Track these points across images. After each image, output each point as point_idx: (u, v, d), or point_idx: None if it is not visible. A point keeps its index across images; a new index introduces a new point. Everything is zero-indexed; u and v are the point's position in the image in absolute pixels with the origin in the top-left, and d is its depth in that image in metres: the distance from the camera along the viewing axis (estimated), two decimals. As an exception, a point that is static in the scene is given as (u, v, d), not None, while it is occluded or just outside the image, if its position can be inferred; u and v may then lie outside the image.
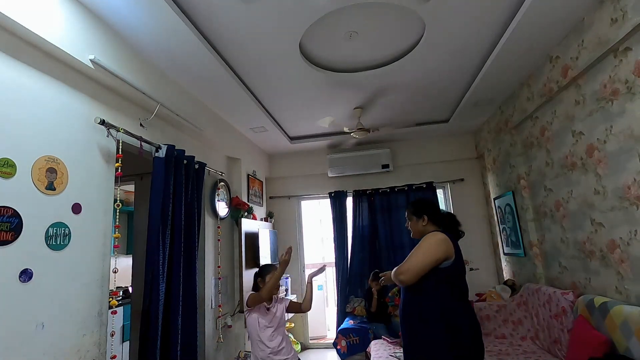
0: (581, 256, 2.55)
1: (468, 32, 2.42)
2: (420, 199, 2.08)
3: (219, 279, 3.27)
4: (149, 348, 2.11)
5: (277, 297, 2.56)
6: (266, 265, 2.65)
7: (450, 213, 2.06)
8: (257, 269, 3.83)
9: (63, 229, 1.72)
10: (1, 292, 1.43)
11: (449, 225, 1.94)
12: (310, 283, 2.57)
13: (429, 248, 1.74)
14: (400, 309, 1.88)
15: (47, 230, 1.64)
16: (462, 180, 4.60)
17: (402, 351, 3.13)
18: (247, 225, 3.74)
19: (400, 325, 1.89)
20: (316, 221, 8.13)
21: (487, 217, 4.46)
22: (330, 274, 6.13)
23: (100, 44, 1.96)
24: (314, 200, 5.21)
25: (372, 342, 3.47)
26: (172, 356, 2.27)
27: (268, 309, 2.44)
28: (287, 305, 2.56)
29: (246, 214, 3.82)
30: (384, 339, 3.47)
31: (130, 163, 2.40)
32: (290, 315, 2.70)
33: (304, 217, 5.15)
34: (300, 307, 2.55)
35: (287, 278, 4.47)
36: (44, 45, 1.67)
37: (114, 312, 1.95)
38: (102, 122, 1.97)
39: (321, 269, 2.60)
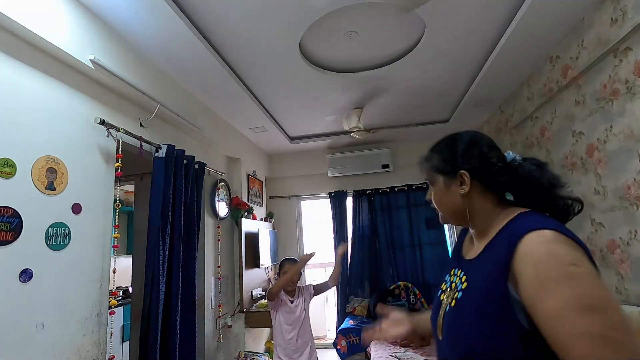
0: (581, 256, 2.54)
1: (468, 32, 2.41)
2: (452, 136, 0.93)
3: (219, 279, 3.27)
4: (149, 348, 2.11)
5: (301, 288, 2.65)
6: (286, 259, 2.73)
7: (532, 158, 0.85)
8: (257, 269, 3.86)
9: (63, 229, 1.72)
10: (1, 292, 1.43)
11: (534, 190, 0.81)
12: (338, 261, 2.74)
13: (588, 285, 0.62)
14: None
15: (47, 230, 1.64)
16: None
17: (402, 351, 3.14)
18: (247, 225, 3.74)
19: None
20: (316, 221, 8.13)
21: (487, 217, 4.46)
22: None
23: (100, 44, 1.96)
24: (314, 200, 5.20)
25: (372, 342, 3.48)
26: (171, 356, 2.27)
27: (292, 302, 2.53)
28: (312, 292, 2.65)
29: (246, 214, 3.82)
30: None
31: (130, 163, 2.40)
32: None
33: (304, 217, 5.15)
34: (327, 284, 2.68)
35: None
36: (44, 45, 1.67)
37: (112, 313, 1.95)
38: (102, 122, 1.97)
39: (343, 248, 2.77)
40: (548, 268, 0.64)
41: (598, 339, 0.58)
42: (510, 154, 0.86)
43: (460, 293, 0.80)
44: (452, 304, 0.81)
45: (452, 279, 0.87)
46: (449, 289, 0.86)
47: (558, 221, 0.73)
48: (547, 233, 0.67)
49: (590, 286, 0.62)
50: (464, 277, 0.82)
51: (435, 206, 0.93)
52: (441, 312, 0.85)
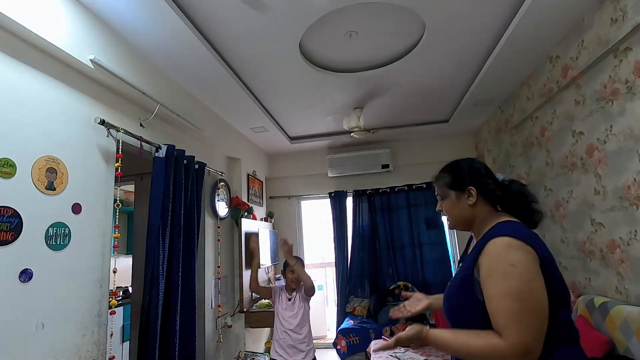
0: (581, 256, 2.55)
1: (468, 32, 2.41)
2: (459, 161, 1.21)
3: (219, 279, 3.27)
4: (148, 347, 2.11)
5: (299, 287, 2.68)
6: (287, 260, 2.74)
7: (515, 181, 1.16)
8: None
9: (63, 229, 1.72)
10: (1, 292, 1.43)
11: (516, 203, 1.10)
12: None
13: (518, 280, 0.90)
14: None
15: (47, 230, 1.64)
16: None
17: (402, 351, 3.14)
18: (247, 225, 3.74)
19: None
20: (316, 221, 8.13)
21: (487, 217, 4.45)
22: (331, 273, 6.14)
23: (100, 44, 1.96)
24: (314, 200, 5.20)
25: (372, 342, 3.47)
26: (171, 356, 2.27)
27: (289, 299, 2.60)
28: (302, 290, 2.66)
29: (246, 214, 3.82)
30: (384, 339, 3.47)
31: (130, 163, 2.40)
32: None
33: (304, 217, 5.15)
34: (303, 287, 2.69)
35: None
36: (44, 45, 1.67)
37: (113, 313, 1.95)
38: (102, 122, 1.97)
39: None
40: (495, 264, 0.95)
41: (512, 315, 0.88)
42: (500, 176, 1.16)
43: (455, 277, 1.13)
44: (449, 285, 1.13)
45: (456, 270, 1.19)
46: (453, 276, 1.16)
47: (528, 227, 1.04)
48: (505, 239, 0.96)
49: (518, 281, 0.90)
50: (461, 266, 1.15)
51: (446, 215, 1.20)
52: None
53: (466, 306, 1.02)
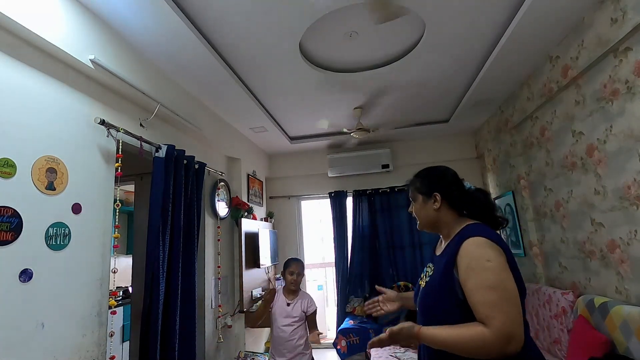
0: (581, 256, 2.55)
1: (468, 32, 2.41)
2: (430, 168, 1.31)
3: (219, 279, 3.27)
4: (149, 348, 2.11)
5: (304, 295, 2.61)
6: (292, 259, 2.67)
7: (480, 189, 1.27)
8: (257, 269, 3.86)
9: (63, 229, 1.72)
10: (1, 292, 1.43)
11: (481, 209, 1.20)
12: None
13: (494, 274, 0.99)
14: None
15: (47, 230, 1.64)
16: (462, 180, 4.59)
17: (402, 351, 3.14)
18: (247, 225, 3.74)
19: None
20: (316, 221, 8.12)
21: (487, 217, 4.45)
22: (331, 274, 6.14)
23: (100, 44, 1.96)
24: (314, 200, 5.20)
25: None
26: (171, 356, 2.27)
27: (289, 304, 2.54)
28: (307, 310, 2.55)
29: (246, 214, 3.82)
30: (384, 339, 3.46)
31: (130, 163, 2.40)
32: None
33: (304, 217, 5.15)
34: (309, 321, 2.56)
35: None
36: (44, 45, 1.67)
37: (114, 313, 1.95)
38: (102, 122, 1.97)
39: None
40: (473, 261, 1.03)
41: (493, 305, 0.96)
42: (467, 184, 1.27)
43: (429, 278, 1.20)
44: (423, 286, 1.21)
45: (426, 270, 1.26)
46: (424, 276, 1.24)
47: (492, 229, 1.14)
48: (478, 239, 1.06)
49: (495, 274, 0.99)
50: (433, 267, 1.22)
51: (415, 216, 1.30)
52: (418, 293, 1.24)
53: (446, 304, 1.08)
